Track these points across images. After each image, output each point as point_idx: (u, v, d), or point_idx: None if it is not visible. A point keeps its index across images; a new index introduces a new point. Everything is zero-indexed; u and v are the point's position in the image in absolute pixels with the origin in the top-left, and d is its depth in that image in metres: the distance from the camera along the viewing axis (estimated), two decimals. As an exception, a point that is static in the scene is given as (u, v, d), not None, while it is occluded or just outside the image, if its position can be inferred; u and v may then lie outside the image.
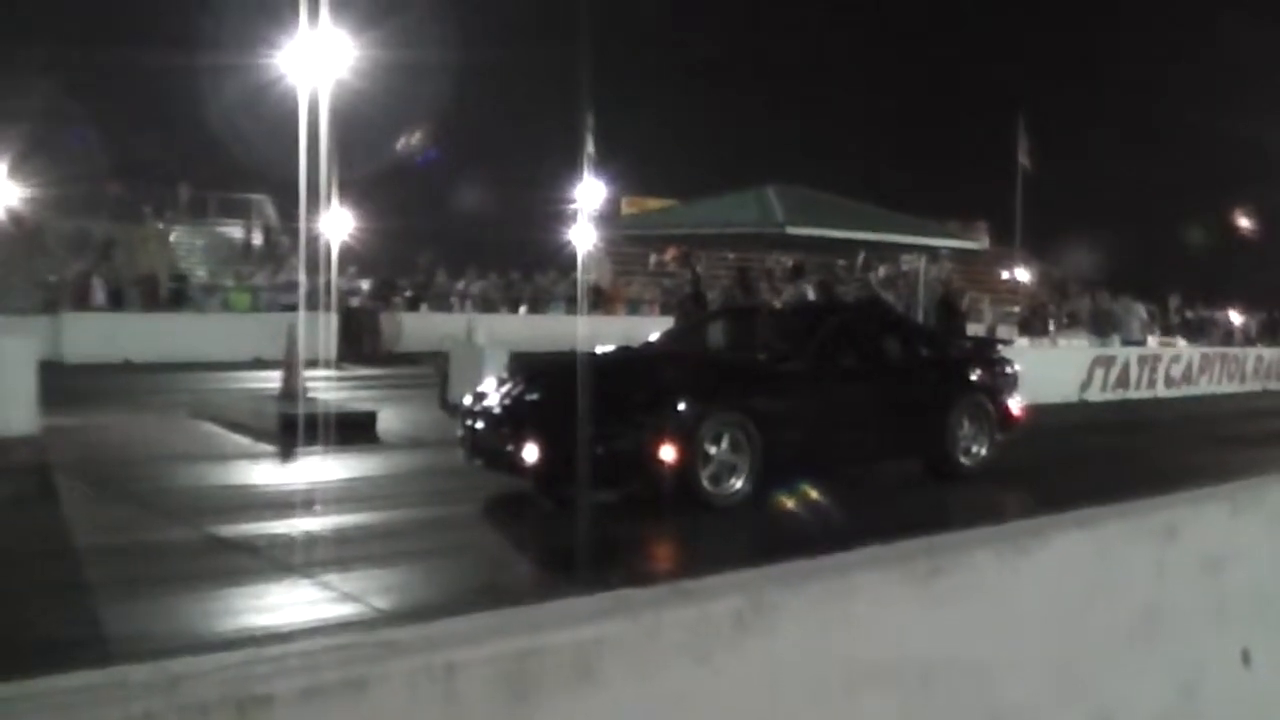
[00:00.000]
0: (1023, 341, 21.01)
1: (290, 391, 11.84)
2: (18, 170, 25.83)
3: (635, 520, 7.95)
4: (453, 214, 33.88)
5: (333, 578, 5.94)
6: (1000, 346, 13.11)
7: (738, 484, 8.03)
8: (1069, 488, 8.57)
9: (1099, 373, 18.25)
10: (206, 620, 5.29)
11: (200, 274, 27.77)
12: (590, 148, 30.10)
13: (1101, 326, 20.56)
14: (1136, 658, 3.07)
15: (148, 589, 5.68)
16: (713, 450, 7.96)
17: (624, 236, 29.19)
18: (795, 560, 2.42)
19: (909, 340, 10.57)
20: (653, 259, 34.58)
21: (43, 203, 26.46)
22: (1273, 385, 22.01)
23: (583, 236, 29.67)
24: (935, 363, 10.27)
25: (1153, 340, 22.51)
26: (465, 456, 8.51)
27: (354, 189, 26.14)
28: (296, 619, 5.26)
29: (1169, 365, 19.94)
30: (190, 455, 10.11)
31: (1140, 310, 21.84)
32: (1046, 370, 16.21)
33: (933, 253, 22.46)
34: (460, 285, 28.47)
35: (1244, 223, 37.40)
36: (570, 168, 30.85)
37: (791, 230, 17.10)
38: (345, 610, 5.41)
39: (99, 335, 19.43)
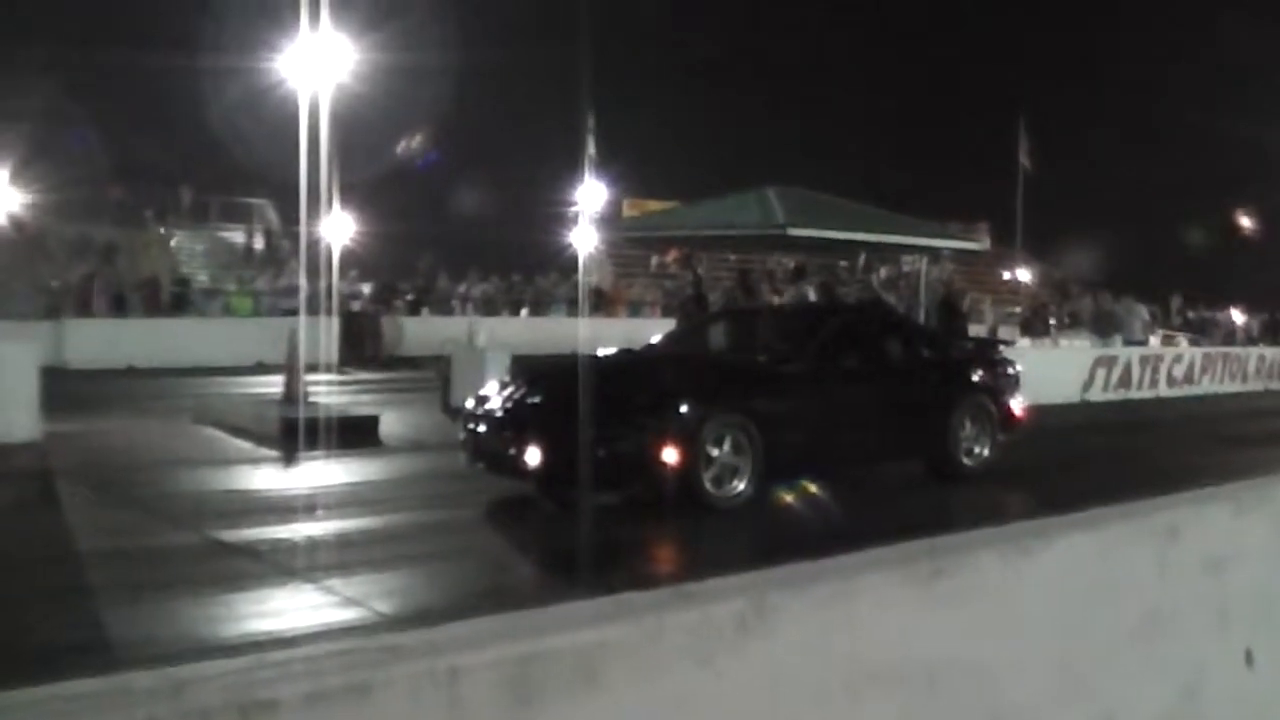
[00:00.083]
0: (1024, 342, 20.99)
1: (292, 396, 11.85)
2: (20, 175, 25.86)
3: (637, 523, 7.95)
4: (454, 217, 33.90)
5: (335, 582, 5.94)
6: (1002, 347, 13.11)
7: (740, 486, 8.03)
8: (1071, 488, 8.60)
9: (1101, 373, 18.25)
10: (209, 625, 5.29)
11: (202, 278, 27.78)
12: (591, 149, 30.21)
13: (1103, 327, 20.56)
14: (1139, 659, 3.07)
15: (150, 594, 5.68)
16: (715, 452, 7.96)
17: (625, 238, 29.18)
18: (797, 562, 2.42)
19: (910, 341, 10.57)
20: (654, 261, 34.59)
21: (44, 208, 26.48)
22: (1275, 385, 22.00)
23: (584, 238, 29.69)
24: (937, 364, 10.27)
25: (1155, 340, 22.51)
26: (467, 460, 8.52)
27: (355, 192, 26.19)
28: (300, 624, 5.26)
29: (1171, 365, 19.94)
30: (192, 460, 10.11)
31: (1142, 311, 21.85)
32: (1048, 371, 16.21)
33: (934, 254, 22.48)
34: (462, 288, 28.49)
35: (1245, 222, 37.41)
36: (571, 170, 30.96)
37: (793, 232, 17.10)
38: (348, 615, 5.41)
39: (101, 340, 19.46)
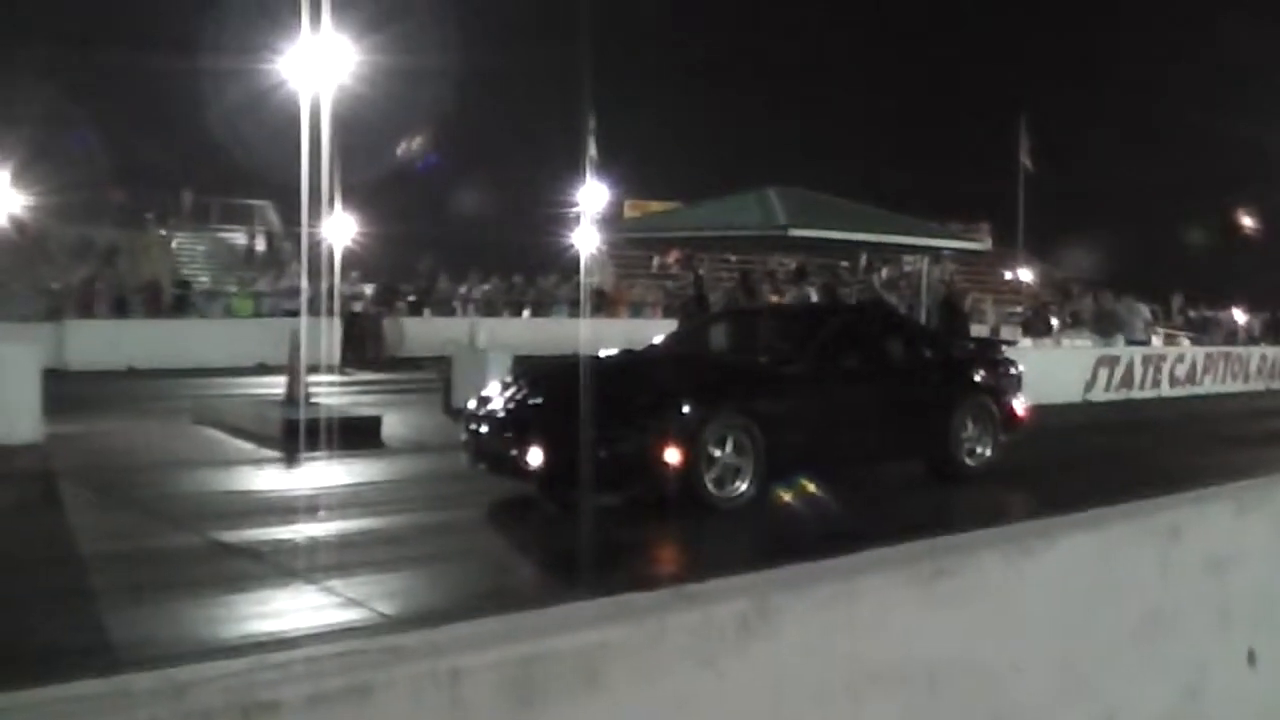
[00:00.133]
0: (1026, 342, 20.98)
1: (293, 397, 11.85)
2: (21, 177, 25.89)
3: (639, 524, 7.94)
4: (455, 218, 33.95)
5: (337, 583, 5.93)
6: (1003, 347, 13.11)
7: (742, 486, 8.03)
8: (1073, 488, 8.60)
9: (1103, 373, 18.24)
10: (211, 626, 5.29)
11: (203, 280, 27.82)
12: (592, 150, 30.25)
13: (1105, 327, 20.55)
14: (1141, 659, 3.07)
15: (152, 595, 5.68)
16: (716, 453, 7.95)
17: (626, 239, 29.22)
18: (799, 563, 2.42)
19: (912, 341, 10.56)
20: (655, 262, 34.62)
21: (46, 210, 26.52)
22: (1276, 385, 21.97)
23: (585, 239, 29.70)
24: (938, 364, 10.26)
25: (1156, 339, 22.50)
26: (469, 461, 8.52)
27: (356, 194, 26.22)
28: (301, 624, 5.26)
29: (1173, 365, 19.92)
30: (194, 461, 10.11)
31: (1144, 310, 21.82)
32: (1050, 370, 16.20)
33: (935, 254, 22.50)
34: (463, 289, 28.49)
35: (1246, 221, 37.40)
36: (572, 171, 30.98)
37: (794, 232, 17.12)
38: (350, 615, 5.41)
39: (102, 342, 19.47)
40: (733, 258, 27.75)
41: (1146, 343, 20.79)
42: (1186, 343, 24.50)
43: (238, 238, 32.01)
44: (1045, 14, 44.15)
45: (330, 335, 17.81)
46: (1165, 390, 19.24)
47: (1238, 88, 36.15)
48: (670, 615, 2.06)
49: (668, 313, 26.33)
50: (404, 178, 33.20)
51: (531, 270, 30.55)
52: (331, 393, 13.67)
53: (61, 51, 26.73)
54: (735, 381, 8.71)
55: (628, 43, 33.17)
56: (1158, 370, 19.44)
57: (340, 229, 24.06)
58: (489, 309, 27.33)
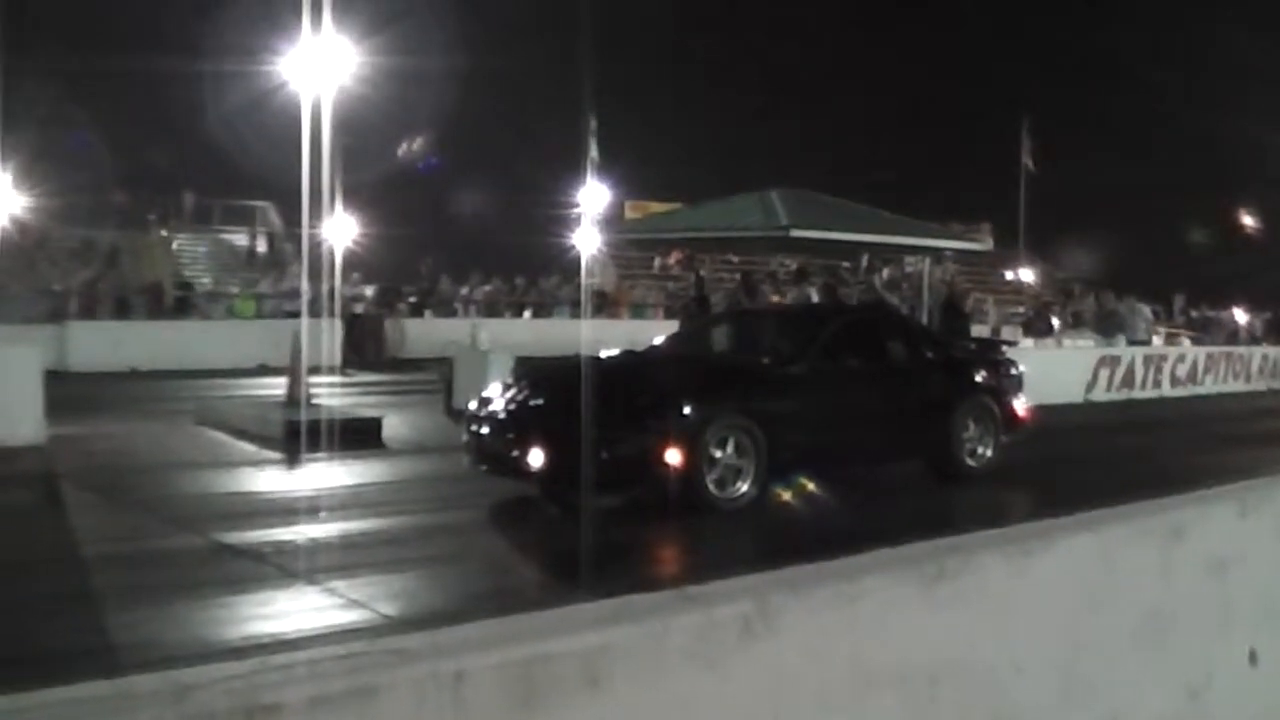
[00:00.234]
0: (1027, 342, 20.96)
1: (295, 398, 11.86)
2: (23, 179, 25.91)
3: (640, 525, 7.93)
4: (456, 219, 33.98)
5: (339, 584, 5.94)
6: (1005, 347, 13.09)
7: (743, 487, 8.02)
8: (1074, 489, 8.56)
9: (1104, 373, 18.23)
10: (213, 628, 5.29)
11: (205, 281, 27.83)
12: (593, 151, 30.26)
13: (1106, 327, 20.53)
14: (1143, 660, 3.07)
15: (154, 597, 5.68)
16: (718, 454, 7.95)
17: (628, 240, 29.18)
18: (801, 564, 2.42)
19: (913, 342, 10.54)
20: (657, 262, 34.61)
21: (47, 212, 26.53)
22: (1278, 384, 21.96)
23: (586, 240, 29.70)
24: (940, 364, 10.25)
25: (1158, 339, 22.47)
26: (470, 462, 8.52)
27: (357, 195, 26.24)
28: (303, 626, 5.26)
29: (1174, 365, 19.91)
30: (196, 462, 10.12)
31: (1145, 310, 21.81)
32: (1051, 371, 16.19)
33: (936, 254, 22.45)
34: (464, 290, 28.50)
35: (1247, 222, 37.37)
36: (573, 171, 31.00)
37: (795, 233, 17.08)
38: (352, 617, 5.41)
39: (104, 344, 19.47)
40: (734, 258, 27.74)
41: (1148, 343, 20.77)
42: (1187, 343, 24.48)
43: (239, 239, 32.00)
44: (1048, 14, 44.16)
45: (331, 336, 17.82)
46: (1166, 390, 19.23)
47: (1238, 88, 36.14)
48: (672, 617, 2.06)
49: (669, 314, 26.33)
50: (405, 179, 33.23)
51: (533, 271, 30.57)
52: (333, 394, 13.67)
53: (63, 54, 26.76)
54: (736, 382, 8.70)
55: (628, 43, 33.21)
56: (1159, 370, 19.42)
57: (341, 230, 24.10)
58: (490, 310, 27.34)
